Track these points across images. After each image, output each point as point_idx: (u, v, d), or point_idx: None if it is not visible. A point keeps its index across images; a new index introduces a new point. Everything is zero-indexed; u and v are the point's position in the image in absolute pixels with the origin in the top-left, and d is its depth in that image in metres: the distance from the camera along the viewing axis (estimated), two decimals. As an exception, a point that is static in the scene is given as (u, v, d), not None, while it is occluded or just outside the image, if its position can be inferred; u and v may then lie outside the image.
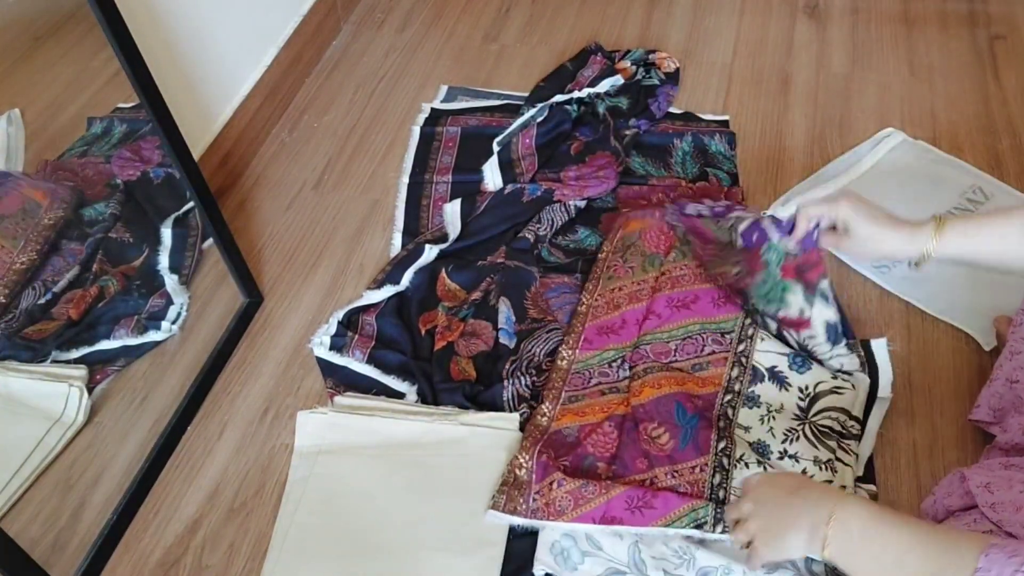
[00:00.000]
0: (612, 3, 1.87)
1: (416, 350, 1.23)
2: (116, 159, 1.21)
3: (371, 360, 1.21)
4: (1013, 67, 1.63)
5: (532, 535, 1.01)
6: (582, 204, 1.40)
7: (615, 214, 1.39)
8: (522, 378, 1.15)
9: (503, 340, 1.21)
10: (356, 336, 1.24)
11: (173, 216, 1.28)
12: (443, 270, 1.32)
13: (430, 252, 1.33)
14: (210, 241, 1.28)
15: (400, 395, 1.18)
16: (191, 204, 1.23)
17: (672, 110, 1.58)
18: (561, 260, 1.33)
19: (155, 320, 1.22)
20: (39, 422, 1.10)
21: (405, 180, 1.50)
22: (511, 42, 1.80)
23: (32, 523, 1.02)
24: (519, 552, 1.00)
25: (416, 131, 1.59)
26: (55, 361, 1.12)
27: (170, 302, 1.25)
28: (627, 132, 1.51)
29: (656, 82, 1.61)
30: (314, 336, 1.26)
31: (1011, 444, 0.95)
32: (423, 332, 1.25)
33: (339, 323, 1.26)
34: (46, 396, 1.11)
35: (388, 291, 1.29)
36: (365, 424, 1.13)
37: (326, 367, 1.22)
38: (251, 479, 1.12)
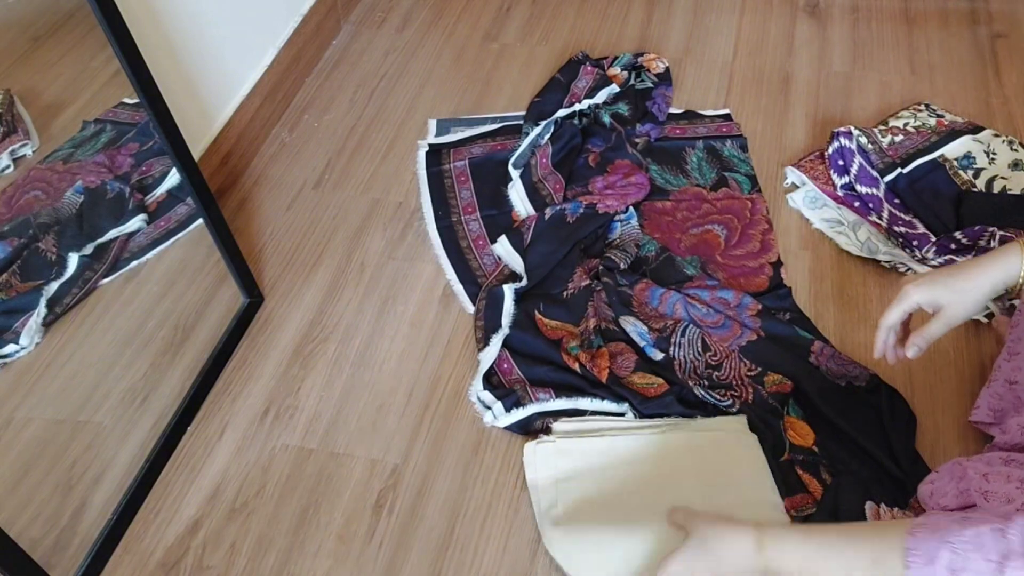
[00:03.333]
0: (612, 2, 1.87)
1: (588, 381, 1.17)
2: (90, 164, 1.18)
3: (560, 394, 1.15)
4: (1014, 65, 1.63)
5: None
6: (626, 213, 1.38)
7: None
8: (702, 381, 1.15)
9: (650, 355, 1.18)
10: (527, 386, 1.16)
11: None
12: (535, 311, 1.26)
13: (508, 292, 1.27)
14: (210, 241, 1.28)
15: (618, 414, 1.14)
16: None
17: (673, 110, 1.58)
18: (627, 266, 1.30)
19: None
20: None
21: (433, 227, 1.42)
22: (511, 41, 1.80)
23: (33, 523, 1.02)
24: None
25: (422, 174, 1.51)
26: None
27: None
28: (638, 140, 1.50)
29: (649, 84, 1.60)
30: (485, 416, 1.15)
31: (1010, 445, 0.94)
32: (576, 368, 1.18)
33: (485, 387, 1.18)
34: None
35: (498, 340, 1.23)
36: (597, 445, 1.09)
37: (517, 426, 1.14)
38: (252, 479, 1.12)
